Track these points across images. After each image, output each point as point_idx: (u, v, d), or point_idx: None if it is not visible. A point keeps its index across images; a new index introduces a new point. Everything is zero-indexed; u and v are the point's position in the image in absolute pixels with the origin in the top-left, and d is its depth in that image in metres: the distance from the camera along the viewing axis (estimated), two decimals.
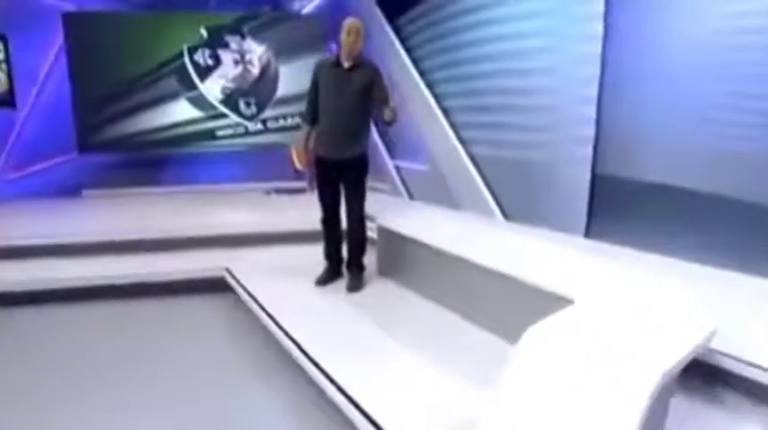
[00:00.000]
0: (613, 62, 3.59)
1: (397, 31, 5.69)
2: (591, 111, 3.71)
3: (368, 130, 3.49)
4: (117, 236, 4.18)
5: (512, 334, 2.69)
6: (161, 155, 6.45)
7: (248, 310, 3.30)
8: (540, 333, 1.69)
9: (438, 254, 3.14)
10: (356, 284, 3.51)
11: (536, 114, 4.12)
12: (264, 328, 3.04)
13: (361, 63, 3.34)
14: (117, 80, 6.13)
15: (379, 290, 3.46)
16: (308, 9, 6.82)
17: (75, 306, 3.57)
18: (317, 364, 2.51)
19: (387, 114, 3.21)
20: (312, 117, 3.47)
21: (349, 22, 3.32)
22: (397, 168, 5.99)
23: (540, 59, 4.04)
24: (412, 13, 5.45)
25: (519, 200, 4.38)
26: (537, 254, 3.07)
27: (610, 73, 3.62)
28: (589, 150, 3.74)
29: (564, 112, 3.91)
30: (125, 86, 6.18)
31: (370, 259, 3.66)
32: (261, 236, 4.35)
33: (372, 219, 3.81)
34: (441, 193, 5.19)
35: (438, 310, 3.14)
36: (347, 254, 3.59)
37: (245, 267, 3.79)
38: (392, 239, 3.54)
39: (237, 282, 3.53)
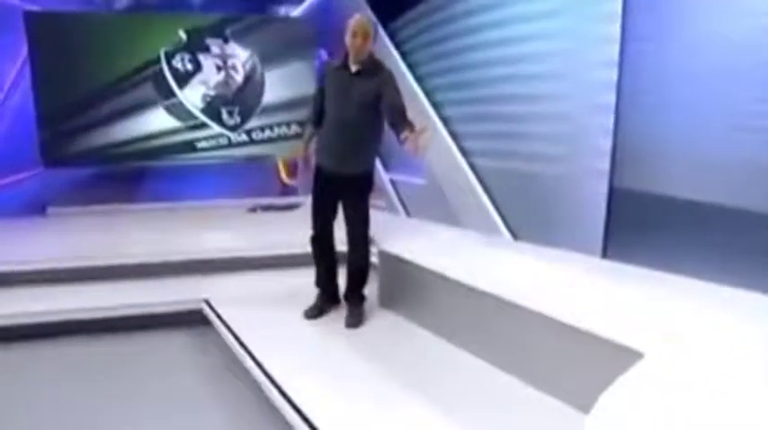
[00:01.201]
0: (633, 65, 3.41)
1: (392, 36, 5.60)
2: (608, 120, 3.53)
3: (375, 145, 3.29)
4: (82, 261, 3.91)
5: (535, 377, 2.49)
6: (134, 169, 6.21)
7: (227, 348, 3.06)
8: (619, 400, 1.39)
9: (448, 282, 2.89)
10: (356, 319, 3.25)
11: (546, 123, 3.97)
12: (246, 370, 2.78)
13: (371, 67, 3.10)
14: (86, 87, 5.89)
15: (380, 324, 3.21)
16: (296, 13, 6.63)
17: (33, 345, 3.29)
18: (300, 413, 2.25)
19: (405, 136, 2.86)
20: (317, 118, 3.31)
21: (354, 21, 3.07)
22: (393, 182, 5.84)
23: (550, 64, 3.89)
24: (408, 16, 5.35)
25: (528, 217, 4.21)
26: (561, 282, 2.82)
27: (629, 77, 3.43)
28: (606, 162, 3.56)
29: (578, 121, 3.75)
30: (95, 94, 5.93)
31: (370, 288, 3.41)
32: (245, 260, 4.11)
33: (373, 243, 3.56)
34: (441, 210, 5.02)
35: (448, 348, 2.88)
36: (346, 282, 3.34)
37: (226, 297, 3.55)
38: (396, 266, 3.29)
39: (216, 314, 3.29)
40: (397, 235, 3.79)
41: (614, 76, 3.46)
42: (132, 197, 6.17)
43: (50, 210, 5.94)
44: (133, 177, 6.22)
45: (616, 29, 3.43)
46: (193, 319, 3.47)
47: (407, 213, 5.62)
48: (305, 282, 3.48)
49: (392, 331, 3.13)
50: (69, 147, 5.98)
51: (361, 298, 3.34)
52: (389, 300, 3.43)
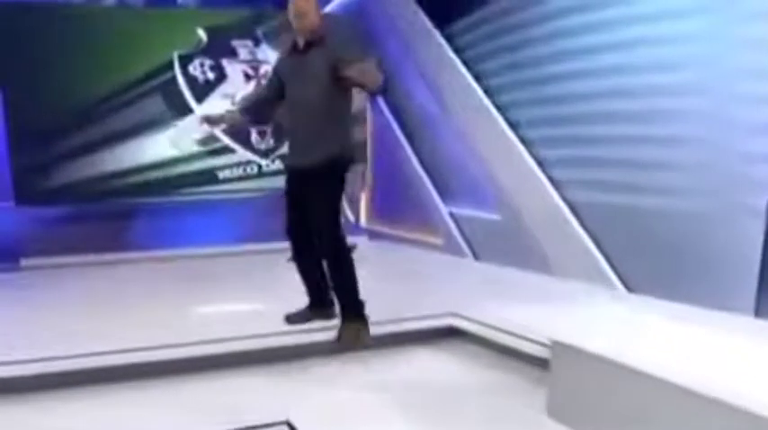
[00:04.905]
0: None
1: (450, 40, 5.55)
2: None
3: (340, 128, 3.42)
4: (69, 361, 3.06)
5: None
6: (138, 207, 5.95)
7: None
8: None
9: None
10: (345, 341, 3.32)
11: (677, 149, 3.80)
12: None
13: (321, 38, 3.31)
14: (75, 102, 5.60)
15: None
16: (329, 8, 6.49)
17: None
18: None
19: (349, 71, 3.10)
20: (246, 104, 3.80)
21: (290, 5, 3.31)
22: (454, 217, 5.71)
23: (681, 74, 3.74)
24: (472, 18, 5.32)
25: (649, 265, 4.03)
26: None
27: None
28: (762, 198, 3.36)
29: (722, 146, 3.56)
30: (87, 111, 5.65)
31: (534, 390, 2.97)
32: (319, 345, 3.38)
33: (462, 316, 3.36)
34: (524, 253, 4.87)
35: None
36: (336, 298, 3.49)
37: (314, 410, 2.82)
38: (581, 364, 2.80)
39: None
40: (585, 319, 3.24)
41: None
42: (133, 244, 5.80)
43: (26, 262, 5.47)
44: (136, 218, 5.93)
45: None
46: None
47: (475, 256, 5.46)
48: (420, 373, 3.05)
49: None
50: (52, 179, 5.67)
51: (359, 315, 3.36)
52: (566, 411, 2.89)
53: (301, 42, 3.34)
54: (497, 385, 3.09)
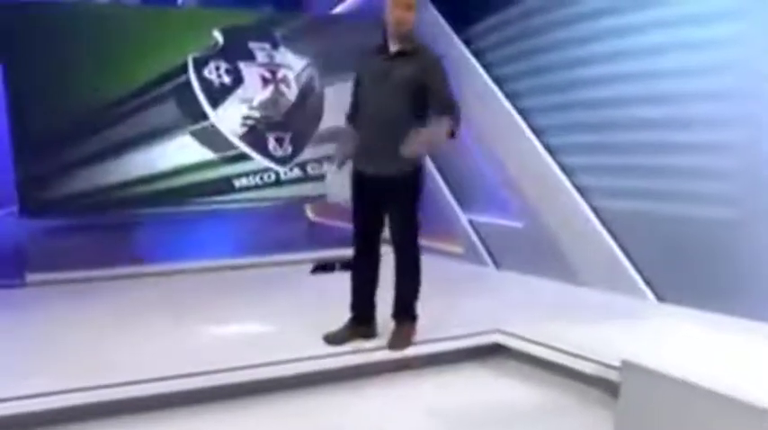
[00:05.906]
0: None
1: (468, 43, 5.54)
2: None
3: None
4: (89, 393, 2.83)
5: None
6: (151, 218, 5.82)
7: None
8: None
9: None
10: (402, 342, 3.42)
11: (709, 156, 3.81)
12: None
13: (413, 49, 3.31)
14: (83, 107, 5.45)
15: None
16: (337, 10, 6.44)
17: None
18: None
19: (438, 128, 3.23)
20: (354, 111, 3.56)
21: (395, 9, 3.25)
22: (474, 225, 5.68)
23: (716, 79, 3.71)
24: (490, 21, 5.30)
25: (683, 274, 4.01)
26: None
27: None
28: None
29: (757, 153, 3.57)
30: (96, 116, 5.48)
31: (592, 408, 2.92)
32: (357, 367, 3.29)
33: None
34: (546, 261, 4.86)
35: None
36: (393, 296, 3.53)
37: None
38: (656, 387, 2.65)
39: None
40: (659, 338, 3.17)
41: None
42: (146, 256, 5.71)
43: (31, 277, 5.22)
44: (149, 229, 5.84)
45: None
46: None
47: (496, 264, 5.43)
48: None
49: None
50: (58, 189, 5.46)
51: (413, 317, 3.51)
52: None
53: (393, 49, 3.29)
54: (553, 406, 3.03)
